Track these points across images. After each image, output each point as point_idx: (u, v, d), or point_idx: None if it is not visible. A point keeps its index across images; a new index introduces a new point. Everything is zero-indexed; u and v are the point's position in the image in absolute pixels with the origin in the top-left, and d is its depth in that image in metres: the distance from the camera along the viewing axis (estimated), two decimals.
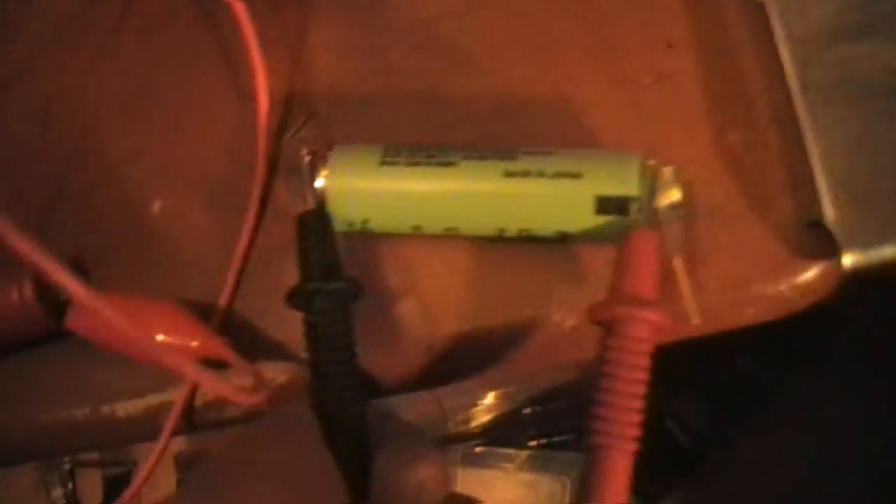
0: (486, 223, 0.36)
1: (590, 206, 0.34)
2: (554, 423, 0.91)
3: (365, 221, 0.36)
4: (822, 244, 0.36)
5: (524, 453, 0.91)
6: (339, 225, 0.36)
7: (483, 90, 0.39)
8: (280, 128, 0.40)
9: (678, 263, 0.34)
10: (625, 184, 0.34)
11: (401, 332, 0.37)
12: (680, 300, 0.34)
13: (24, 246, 0.25)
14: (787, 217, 0.37)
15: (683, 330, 0.35)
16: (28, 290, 0.36)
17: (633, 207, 0.34)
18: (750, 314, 0.37)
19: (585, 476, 0.32)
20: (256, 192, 0.39)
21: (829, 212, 0.35)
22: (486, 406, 0.90)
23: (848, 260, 0.35)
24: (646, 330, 0.32)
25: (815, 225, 0.36)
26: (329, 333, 0.34)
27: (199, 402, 0.39)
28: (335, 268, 0.35)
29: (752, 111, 0.38)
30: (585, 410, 0.33)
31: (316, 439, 0.32)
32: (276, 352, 0.38)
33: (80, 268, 0.39)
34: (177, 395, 0.38)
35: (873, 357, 0.67)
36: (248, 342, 0.38)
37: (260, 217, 0.39)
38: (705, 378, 0.83)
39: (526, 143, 0.36)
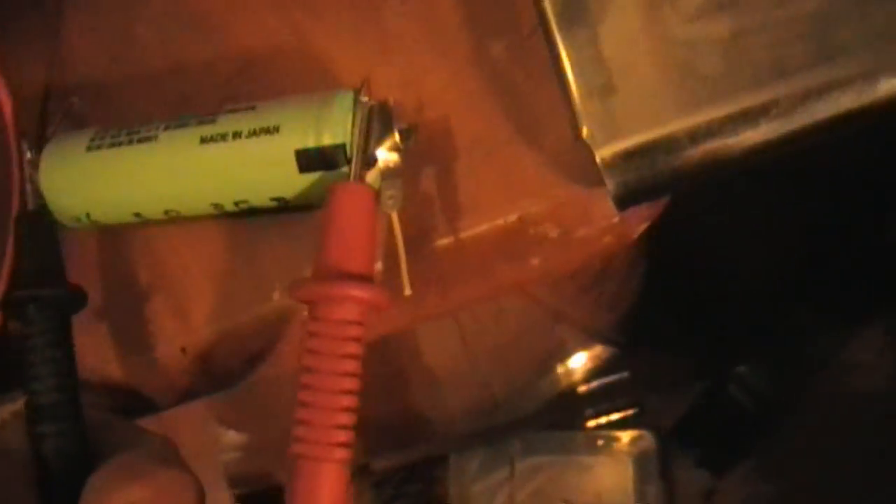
0: (196, 199, 0.31)
1: (292, 163, 0.29)
2: (611, 400, 0.85)
3: (88, 214, 0.32)
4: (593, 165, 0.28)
5: (582, 435, 0.85)
6: (67, 221, 0.33)
7: (227, 50, 0.34)
8: (43, 127, 0.36)
9: (395, 221, 0.28)
10: (326, 132, 0.28)
11: (154, 334, 0.33)
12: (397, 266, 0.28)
13: None
14: (567, 140, 0.29)
15: (422, 309, 0.29)
16: None
17: (341, 158, 0.28)
18: (536, 265, 0.30)
19: (286, 492, 0.26)
20: (15, 200, 0.36)
21: (587, 126, 0.27)
22: (539, 388, 0.84)
23: (613, 185, 0.27)
24: (352, 310, 0.26)
25: (580, 141, 0.28)
26: (42, 344, 0.30)
27: None
28: (54, 273, 0.31)
29: (516, 16, 0.30)
30: None
31: (15, 470, 0.29)
32: None
33: None
34: None
35: None
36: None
37: None
38: (765, 340, 0.74)
39: (271, 97, 0.31)
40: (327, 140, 0.28)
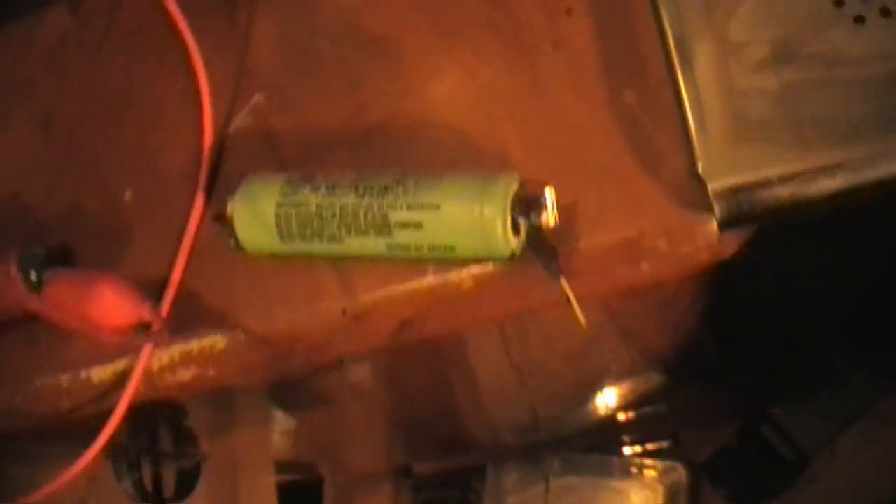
0: None
1: None
2: (648, 430, 0.88)
3: None
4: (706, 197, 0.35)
5: (618, 461, 0.87)
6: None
7: (397, 74, 0.42)
8: (228, 116, 0.44)
9: (565, 284, 0.36)
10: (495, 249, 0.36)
11: (318, 295, 0.40)
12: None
13: None
14: (679, 173, 0.36)
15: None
16: (13, 270, 0.42)
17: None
18: (646, 270, 0.37)
19: None
20: (203, 177, 0.43)
21: (703, 164, 0.35)
22: (580, 412, 0.88)
23: (720, 211, 0.34)
24: None
25: (698, 177, 0.35)
26: None
27: (155, 366, 0.43)
28: None
29: (645, 71, 0.38)
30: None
31: None
32: (220, 319, 0.42)
33: (65, 251, 0.45)
34: (137, 361, 0.42)
35: None
36: (198, 312, 0.42)
37: (207, 201, 0.43)
38: (805, 385, 0.78)
39: (429, 126, 0.40)
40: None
